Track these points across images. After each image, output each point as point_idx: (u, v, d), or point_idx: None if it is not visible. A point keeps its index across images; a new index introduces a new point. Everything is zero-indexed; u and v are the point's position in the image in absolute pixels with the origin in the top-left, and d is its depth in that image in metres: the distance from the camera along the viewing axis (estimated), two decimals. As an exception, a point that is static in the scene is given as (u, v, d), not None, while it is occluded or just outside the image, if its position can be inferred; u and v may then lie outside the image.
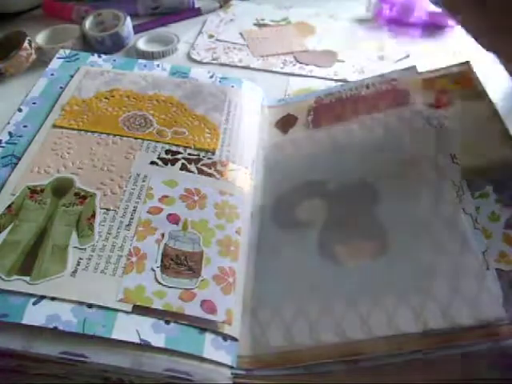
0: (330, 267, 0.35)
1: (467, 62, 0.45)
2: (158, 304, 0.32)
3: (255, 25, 0.66)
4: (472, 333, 0.30)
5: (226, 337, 0.32)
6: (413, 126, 0.42)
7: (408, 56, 0.58)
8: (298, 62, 0.59)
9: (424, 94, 0.44)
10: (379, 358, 0.30)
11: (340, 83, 0.55)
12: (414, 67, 0.47)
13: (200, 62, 0.59)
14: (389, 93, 0.46)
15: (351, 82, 0.50)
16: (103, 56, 0.51)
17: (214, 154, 0.42)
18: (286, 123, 0.47)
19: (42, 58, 0.57)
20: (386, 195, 0.38)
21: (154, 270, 0.34)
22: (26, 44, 0.57)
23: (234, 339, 0.32)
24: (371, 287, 0.33)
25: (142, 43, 0.62)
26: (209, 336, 0.32)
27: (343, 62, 0.59)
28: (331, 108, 0.47)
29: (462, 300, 0.31)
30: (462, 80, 0.44)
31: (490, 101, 0.42)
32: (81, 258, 0.33)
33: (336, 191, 0.40)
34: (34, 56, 0.57)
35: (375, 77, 0.48)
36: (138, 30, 0.64)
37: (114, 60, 0.50)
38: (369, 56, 0.59)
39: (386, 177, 0.39)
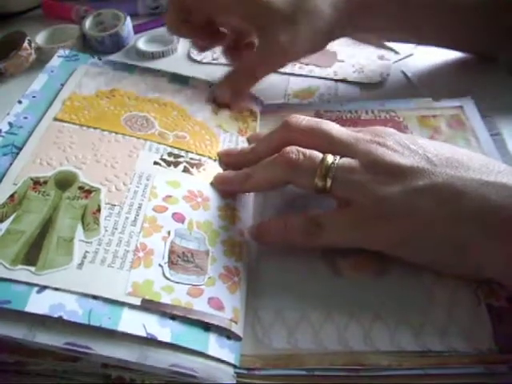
0: (331, 277, 0.36)
1: (461, 107, 0.48)
2: (166, 299, 0.32)
3: (255, 25, 0.66)
4: (467, 358, 0.31)
5: (229, 335, 0.32)
6: None
7: (408, 56, 0.59)
8: (297, 61, 0.59)
9: (421, 131, 0.46)
10: (380, 370, 0.31)
11: (339, 82, 0.56)
12: (413, 100, 0.49)
13: (200, 62, 0.59)
14: (388, 122, 0.47)
15: (350, 103, 0.50)
16: (103, 59, 0.50)
17: (215, 160, 0.42)
18: None
19: (42, 58, 0.57)
20: None
21: (161, 266, 0.33)
22: (25, 44, 0.57)
23: (239, 338, 0.32)
24: (372, 302, 0.34)
25: (141, 43, 0.62)
26: (213, 334, 0.32)
27: (343, 61, 0.59)
28: None
29: (457, 328, 0.33)
30: (455, 124, 0.46)
31: (478, 146, 0.44)
32: (87, 251, 0.33)
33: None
34: (33, 56, 0.58)
35: (375, 103, 0.49)
36: (137, 29, 0.64)
37: (114, 64, 0.50)
38: (369, 56, 0.59)
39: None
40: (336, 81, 0.56)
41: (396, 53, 0.59)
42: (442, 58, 0.57)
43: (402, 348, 0.32)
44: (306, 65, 0.58)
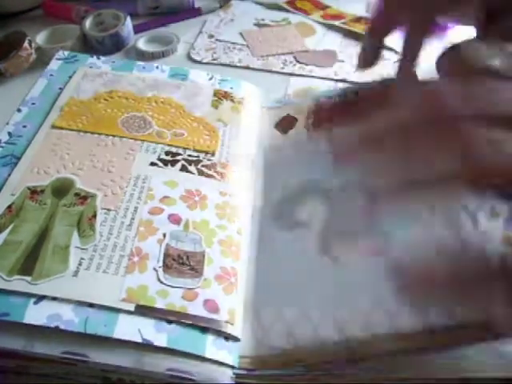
0: (329, 267, 0.36)
1: None
2: (161, 303, 0.32)
3: (255, 25, 0.66)
4: (472, 330, 0.30)
5: (227, 337, 0.32)
6: None
7: (408, 56, 0.58)
8: (298, 62, 0.59)
9: None
10: (380, 357, 0.31)
11: (340, 83, 0.55)
12: None
13: (200, 62, 0.59)
14: None
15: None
16: (102, 58, 0.50)
17: (213, 155, 0.42)
18: (285, 124, 0.47)
19: (42, 58, 0.57)
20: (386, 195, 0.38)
21: (156, 270, 0.33)
22: (25, 44, 0.57)
23: (236, 339, 0.32)
24: (371, 286, 0.34)
25: (141, 43, 0.62)
26: (210, 336, 0.32)
27: (343, 62, 0.59)
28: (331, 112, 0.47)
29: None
30: None
31: None
32: (82, 258, 0.33)
33: (336, 191, 0.40)
34: (33, 56, 0.57)
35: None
36: (137, 29, 0.64)
37: (113, 62, 0.50)
38: (369, 56, 0.59)
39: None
40: (336, 81, 0.56)
41: (396, 53, 0.59)
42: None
43: (404, 330, 0.31)
44: (306, 65, 0.58)
